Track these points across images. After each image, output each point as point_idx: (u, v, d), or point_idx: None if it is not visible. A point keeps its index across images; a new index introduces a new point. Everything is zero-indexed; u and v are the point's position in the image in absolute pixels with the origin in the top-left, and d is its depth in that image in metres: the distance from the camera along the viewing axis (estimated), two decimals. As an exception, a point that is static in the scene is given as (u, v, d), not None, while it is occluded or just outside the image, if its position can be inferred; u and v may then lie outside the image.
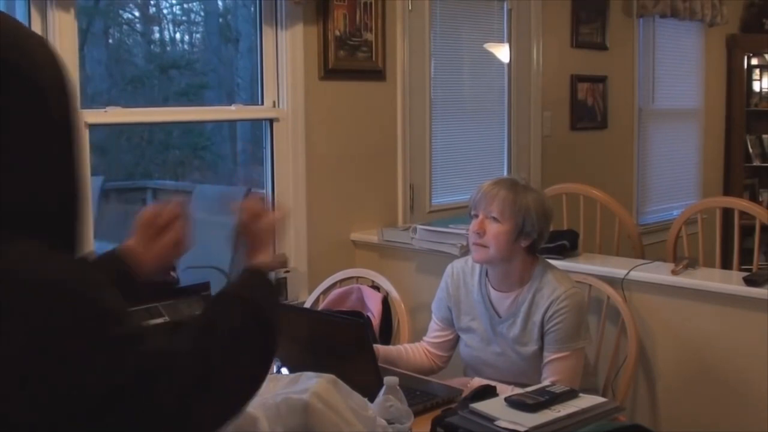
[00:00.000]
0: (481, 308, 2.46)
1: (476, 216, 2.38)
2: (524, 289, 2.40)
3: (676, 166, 5.75)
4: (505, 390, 2.12)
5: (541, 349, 2.37)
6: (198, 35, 5.27)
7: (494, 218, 2.34)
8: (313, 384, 1.56)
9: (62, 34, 2.75)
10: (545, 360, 2.35)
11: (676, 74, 5.66)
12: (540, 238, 2.40)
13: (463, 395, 2.06)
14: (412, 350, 2.55)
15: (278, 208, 1.58)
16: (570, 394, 1.86)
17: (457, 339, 2.57)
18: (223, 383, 1.09)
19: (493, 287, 2.46)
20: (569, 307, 2.33)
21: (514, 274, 2.41)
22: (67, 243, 1.04)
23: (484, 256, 2.37)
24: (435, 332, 2.58)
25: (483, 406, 1.81)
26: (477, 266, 2.50)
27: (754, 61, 6.31)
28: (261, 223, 1.40)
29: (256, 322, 1.19)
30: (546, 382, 2.22)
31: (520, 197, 2.35)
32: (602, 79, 4.98)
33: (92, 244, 2.88)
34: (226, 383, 1.10)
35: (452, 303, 2.53)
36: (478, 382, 2.28)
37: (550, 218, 2.43)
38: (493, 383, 2.17)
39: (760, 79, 6.36)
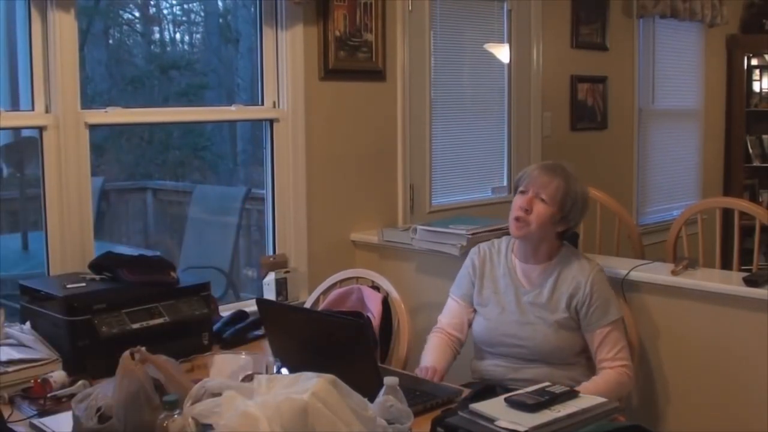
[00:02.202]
0: (506, 281, 2.60)
1: (524, 192, 2.53)
2: (552, 263, 2.57)
3: (676, 166, 5.75)
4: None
5: (567, 319, 2.50)
6: (198, 36, 5.28)
7: (543, 200, 2.50)
8: (313, 384, 1.56)
9: (62, 34, 2.75)
10: (598, 339, 2.49)
11: (676, 74, 5.66)
12: (574, 226, 2.61)
13: (463, 395, 2.07)
14: (445, 348, 2.64)
15: None
16: (570, 394, 1.86)
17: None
18: None
19: (520, 260, 2.61)
20: (599, 282, 2.52)
21: (542, 250, 2.58)
22: None
23: (525, 231, 2.52)
24: (455, 311, 2.69)
25: (483, 406, 1.81)
26: (503, 246, 2.67)
27: (754, 62, 6.31)
28: None
29: None
30: (605, 356, 2.47)
31: (571, 187, 2.53)
32: (602, 80, 4.98)
33: (92, 245, 2.89)
34: None
35: (477, 276, 2.66)
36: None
37: (587, 211, 2.63)
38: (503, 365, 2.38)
39: (760, 80, 6.36)
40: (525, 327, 2.53)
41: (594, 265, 2.58)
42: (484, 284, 2.64)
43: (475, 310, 2.66)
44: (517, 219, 2.52)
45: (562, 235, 2.61)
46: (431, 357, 2.59)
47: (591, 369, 2.54)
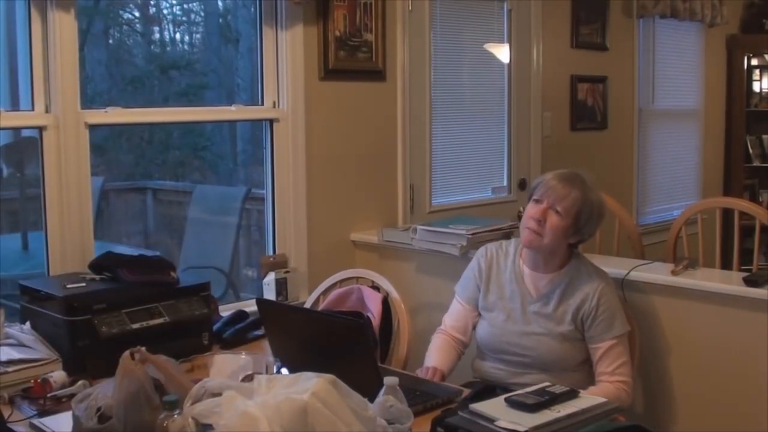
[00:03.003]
0: (512, 287, 2.56)
1: (539, 202, 2.48)
2: (562, 272, 2.52)
3: (676, 166, 5.75)
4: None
5: (572, 331, 2.47)
6: (198, 36, 5.28)
7: (557, 212, 2.45)
8: (313, 384, 1.56)
9: (62, 34, 2.75)
10: (600, 352, 2.46)
11: (676, 74, 5.66)
12: (587, 239, 2.56)
13: (463, 395, 2.07)
14: (449, 350, 2.62)
15: None
16: (570, 394, 1.86)
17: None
18: None
19: (528, 267, 2.56)
20: (606, 295, 2.48)
21: (553, 260, 2.53)
22: None
23: (537, 243, 2.47)
24: (460, 314, 2.66)
25: (483, 406, 1.81)
26: (511, 249, 2.62)
27: (754, 62, 6.31)
28: None
29: None
30: (605, 370, 2.44)
31: (588, 200, 2.48)
32: (602, 80, 4.98)
33: (92, 245, 2.89)
34: None
35: (482, 280, 2.61)
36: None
37: (602, 221, 2.57)
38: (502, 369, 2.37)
39: (760, 80, 6.36)
40: (529, 337, 2.50)
41: (603, 277, 2.54)
42: (489, 289, 2.60)
43: (479, 314, 2.64)
44: (530, 230, 2.46)
45: (576, 246, 2.58)
46: (435, 358, 2.58)
47: (592, 378, 2.53)
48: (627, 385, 2.46)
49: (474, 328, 2.65)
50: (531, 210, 2.49)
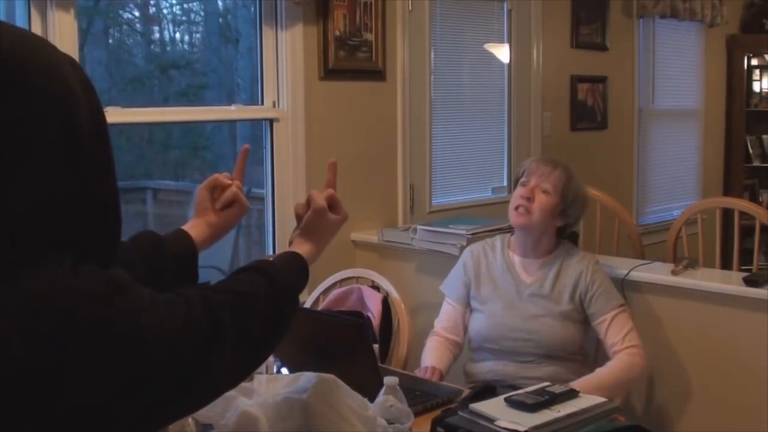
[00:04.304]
0: (505, 276, 2.59)
1: (526, 184, 2.54)
2: (551, 256, 2.59)
3: (676, 166, 5.75)
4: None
5: (572, 311, 2.50)
6: (198, 35, 5.27)
7: (544, 191, 2.51)
8: (313, 384, 1.56)
9: (62, 34, 2.75)
10: (605, 325, 2.49)
11: (676, 74, 5.66)
12: (572, 224, 2.63)
13: (463, 395, 2.07)
14: (444, 350, 2.63)
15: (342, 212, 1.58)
16: (570, 394, 1.86)
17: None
18: (234, 342, 1.10)
19: (518, 255, 2.61)
20: (599, 271, 2.56)
21: (542, 244, 2.59)
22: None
23: (527, 220, 2.52)
24: (450, 314, 2.68)
25: (483, 406, 1.81)
26: (498, 244, 2.67)
27: (754, 62, 6.31)
28: (328, 218, 1.51)
29: (273, 292, 1.26)
30: (615, 340, 2.46)
31: (572, 179, 2.56)
32: (602, 80, 4.98)
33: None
34: (238, 343, 1.12)
35: (471, 276, 2.64)
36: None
37: (586, 210, 2.67)
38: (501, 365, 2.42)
39: (760, 80, 6.36)
40: (530, 320, 2.52)
41: (592, 256, 2.63)
42: (481, 282, 2.63)
43: (471, 310, 2.65)
44: (519, 209, 2.53)
45: (561, 232, 2.63)
46: (431, 358, 2.59)
47: (589, 366, 2.54)
48: (639, 348, 2.49)
49: (465, 330, 2.65)
50: (518, 191, 2.56)
